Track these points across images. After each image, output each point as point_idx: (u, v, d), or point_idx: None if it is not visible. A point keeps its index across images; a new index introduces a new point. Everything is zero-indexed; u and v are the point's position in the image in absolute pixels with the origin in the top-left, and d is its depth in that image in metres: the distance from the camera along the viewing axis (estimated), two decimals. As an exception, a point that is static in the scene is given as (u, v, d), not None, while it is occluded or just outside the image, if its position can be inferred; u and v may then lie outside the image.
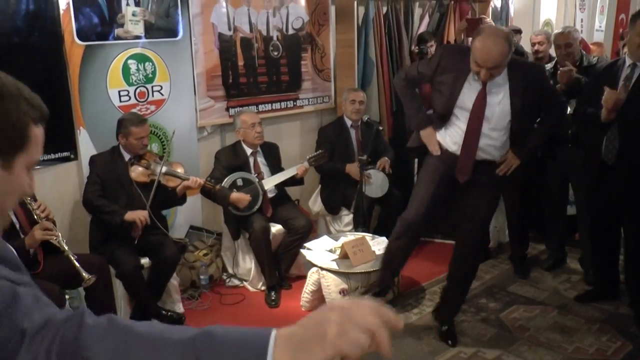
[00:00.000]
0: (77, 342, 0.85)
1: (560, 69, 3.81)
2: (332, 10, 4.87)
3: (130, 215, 3.35)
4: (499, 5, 6.40)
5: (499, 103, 2.93)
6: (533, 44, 4.79)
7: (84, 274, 2.96)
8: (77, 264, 2.97)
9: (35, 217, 3.01)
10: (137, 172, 3.49)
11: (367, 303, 0.83)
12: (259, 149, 4.09)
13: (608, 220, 3.51)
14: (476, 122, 2.95)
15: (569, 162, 3.91)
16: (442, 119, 3.08)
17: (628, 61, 3.31)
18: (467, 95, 2.95)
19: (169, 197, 3.60)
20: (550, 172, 4.07)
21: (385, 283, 3.58)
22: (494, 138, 2.99)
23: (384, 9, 4.95)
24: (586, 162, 3.58)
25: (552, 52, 4.55)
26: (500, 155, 3.05)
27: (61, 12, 3.45)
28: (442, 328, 3.33)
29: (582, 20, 8.05)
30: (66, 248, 3.00)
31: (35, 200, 3.08)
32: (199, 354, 0.80)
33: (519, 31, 5.40)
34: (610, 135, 3.26)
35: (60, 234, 3.05)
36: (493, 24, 5.10)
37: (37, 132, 0.97)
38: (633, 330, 3.37)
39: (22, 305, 0.88)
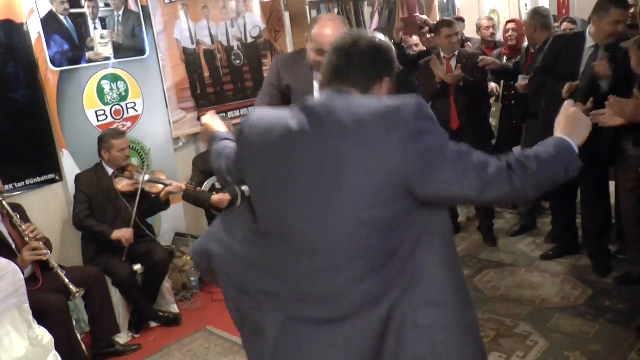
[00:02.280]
0: None
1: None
2: (287, 16, 5.13)
3: (116, 235, 3.55)
4: (444, -2, 6.75)
5: None
6: (486, 28, 5.16)
7: (71, 288, 3.13)
8: (66, 279, 3.15)
9: (26, 239, 3.17)
10: (122, 184, 3.70)
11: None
12: (232, 152, 4.32)
13: (566, 184, 3.80)
14: None
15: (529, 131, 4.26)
16: None
17: (590, 42, 3.43)
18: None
19: (154, 204, 3.81)
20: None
21: None
22: None
23: (335, 11, 5.24)
24: (544, 132, 3.85)
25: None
26: None
27: (33, 41, 3.64)
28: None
29: (526, 6, 8.46)
30: (55, 265, 3.18)
31: (25, 222, 3.26)
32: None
33: (461, 19, 5.77)
34: None
35: (49, 251, 3.21)
36: (427, 19, 5.43)
37: None
38: (592, 278, 3.68)
39: None
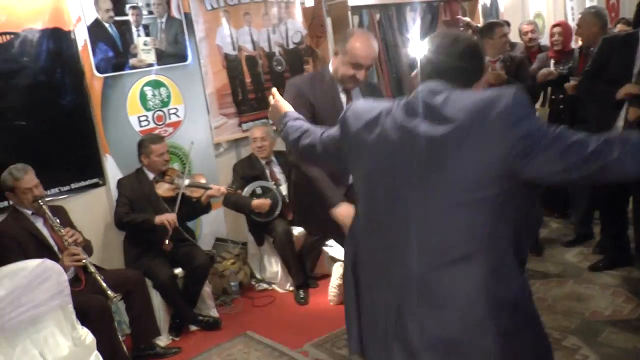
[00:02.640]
0: None
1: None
2: (328, 21, 5.12)
3: (159, 219, 3.58)
4: (488, 2, 6.63)
5: None
6: (525, 33, 5.03)
7: (109, 293, 3.11)
8: (103, 283, 3.13)
9: (65, 243, 3.19)
10: (162, 189, 3.73)
11: None
12: (273, 158, 4.33)
13: (617, 191, 3.65)
14: None
15: None
16: None
17: None
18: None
19: (195, 207, 3.84)
20: None
21: None
22: None
23: (377, 16, 5.20)
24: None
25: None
26: None
27: (79, 48, 3.73)
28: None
29: (572, 8, 8.24)
30: (93, 270, 3.17)
31: (65, 225, 3.28)
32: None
33: (508, 23, 5.64)
34: (626, 116, 3.27)
35: (87, 257, 3.22)
36: (470, 21, 5.33)
37: None
38: (646, 291, 3.53)
39: None
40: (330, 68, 2.65)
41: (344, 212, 2.37)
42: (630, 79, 3.30)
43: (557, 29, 4.71)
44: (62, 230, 3.22)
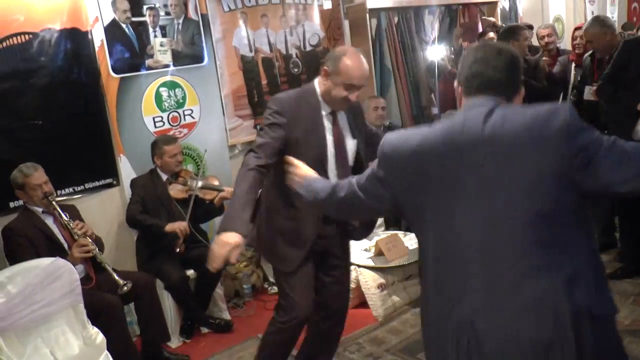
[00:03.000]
0: None
1: None
2: (346, 24, 5.10)
3: (170, 227, 3.54)
4: (507, 6, 6.56)
5: (347, 138, 2.58)
6: (542, 37, 4.95)
7: (119, 280, 3.14)
8: (113, 273, 3.16)
9: (75, 236, 3.21)
10: (175, 190, 3.72)
11: None
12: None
13: (636, 199, 3.58)
14: (343, 170, 2.52)
15: None
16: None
17: None
18: (329, 139, 2.51)
19: (208, 210, 3.82)
20: None
21: None
22: None
23: (395, 19, 5.17)
24: None
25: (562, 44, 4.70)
26: None
27: (96, 49, 3.75)
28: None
29: (592, 13, 8.13)
30: (102, 259, 3.20)
31: (73, 220, 3.28)
32: None
33: (530, 27, 5.56)
34: None
35: (96, 247, 3.23)
36: (496, 21, 5.27)
37: None
38: (667, 300, 3.44)
39: None
40: (317, 88, 2.49)
41: (222, 242, 2.14)
42: None
43: (578, 32, 4.63)
44: (72, 224, 3.24)
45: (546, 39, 4.87)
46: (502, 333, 1.45)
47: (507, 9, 6.55)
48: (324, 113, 2.49)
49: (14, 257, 3.05)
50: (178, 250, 3.58)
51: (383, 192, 1.68)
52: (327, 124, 2.50)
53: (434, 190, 1.53)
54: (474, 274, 1.48)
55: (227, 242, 2.14)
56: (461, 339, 1.51)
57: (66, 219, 3.23)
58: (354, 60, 2.38)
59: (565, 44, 6.42)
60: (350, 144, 2.59)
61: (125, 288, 3.16)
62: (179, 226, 3.55)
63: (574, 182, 1.40)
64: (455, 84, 1.65)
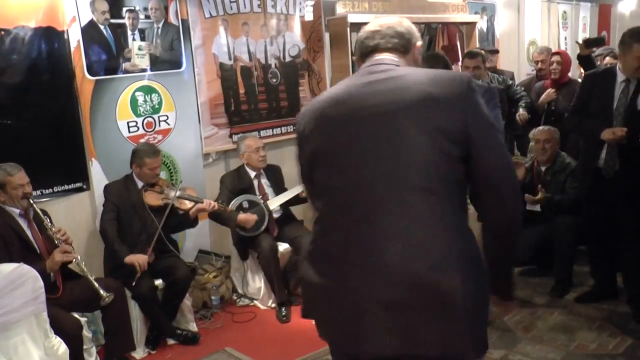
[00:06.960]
0: None
1: None
2: (327, 37, 5.10)
3: (129, 259, 3.45)
4: (484, 27, 6.67)
5: None
6: (536, 62, 5.05)
7: (102, 292, 3.10)
8: (95, 283, 3.12)
9: (56, 241, 3.15)
10: (151, 197, 3.65)
11: None
12: (262, 171, 4.26)
13: (604, 225, 3.65)
14: None
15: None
16: None
17: (621, 76, 3.37)
18: None
19: (182, 220, 3.75)
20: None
21: None
22: None
23: (375, 35, 5.18)
24: (583, 170, 3.74)
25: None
26: None
27: (72, 49, 3.66)
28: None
29: (565, 38, 8.35)
30: (85, 269, 3.15)
31: (54, 225, 3.25)
32: None
33: (496, 51, 5.69)
34: (611, 152, 3.36)
35: (79, 256, 3.20)
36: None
37: None
38: (632, 327, 3.48)
39: None
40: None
41: None
42: (611, 114, 3.38)
43: (556, 58, 4.71)
44: (54, 229, 3.18)
45: (540, 65, 4.95)
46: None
47: (485, 29, 6.65)
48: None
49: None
50: (134, 284, 3.46)
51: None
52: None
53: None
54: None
55: None
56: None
57: (48, 223, 3.18)
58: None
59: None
60: None
61: (107, 299, 3.09)
62: (137, 259, 3.45)
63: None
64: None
